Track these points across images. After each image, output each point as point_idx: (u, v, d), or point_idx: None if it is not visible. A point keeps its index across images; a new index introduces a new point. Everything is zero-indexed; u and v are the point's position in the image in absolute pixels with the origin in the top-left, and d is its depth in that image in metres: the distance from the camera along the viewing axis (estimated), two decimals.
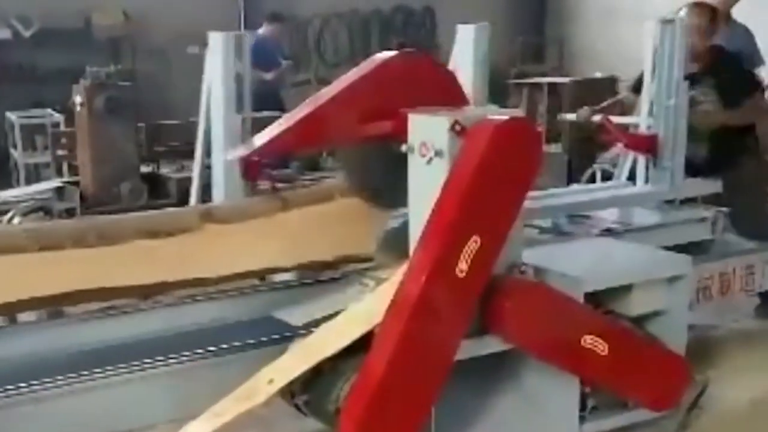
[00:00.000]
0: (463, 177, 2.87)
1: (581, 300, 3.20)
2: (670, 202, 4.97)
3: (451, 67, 4.16)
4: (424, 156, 2.99)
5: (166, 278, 3.31)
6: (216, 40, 4.21)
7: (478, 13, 14.18)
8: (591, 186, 5.75)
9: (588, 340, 3.09)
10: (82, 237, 3.25)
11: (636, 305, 3.38)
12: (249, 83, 4.24)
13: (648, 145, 4.90)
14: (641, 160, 5.01)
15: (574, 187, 5.84)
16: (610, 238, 4.11)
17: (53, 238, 3.24)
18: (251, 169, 4.07)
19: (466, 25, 4.49)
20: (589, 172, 6.53)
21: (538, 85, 10.24)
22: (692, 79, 4.98)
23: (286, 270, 3.57)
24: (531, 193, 4.93)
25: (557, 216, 4.75)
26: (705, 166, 5.15)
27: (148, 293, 3.43)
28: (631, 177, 5.17)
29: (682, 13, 5.07)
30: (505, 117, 2.97)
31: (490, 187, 2.88)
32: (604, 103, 5.75)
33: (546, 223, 4.72)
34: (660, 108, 4.87)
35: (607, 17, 13.91)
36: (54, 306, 3.39)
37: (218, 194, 4.20)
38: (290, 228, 3.46)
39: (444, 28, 14.28)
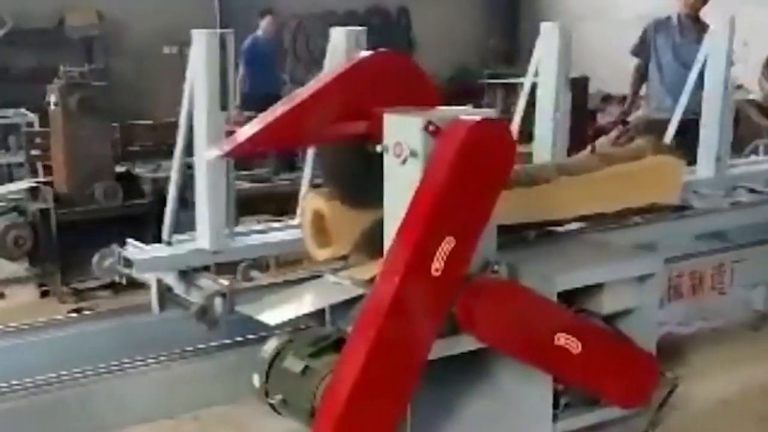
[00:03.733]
0: (437, 177, 2.89)
1: (554, 298, 3.23)
2: None
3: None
4: (398, 156, 3.02)
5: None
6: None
7: (453, 15, 14.31)
8: None
9: (561, 339, 3.12)
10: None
11: (607, 303, 3.41)
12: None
13: None
14: None
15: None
16: (583, 237, 4.14)
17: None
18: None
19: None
20: (751, 145, 7.00)
21: (512, 86, 10.32)
22: None
23: (606, 216, 4.00)
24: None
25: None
26: None
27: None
28: None
29: None
30: (479, 117, 3.00)
31: (464, 187, 2.91)
32: None
33: (760, 186, 5.37)
34: None
35: (578, 20, 14.01)
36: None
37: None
38: (613, 180, 3.87)
39: (419, 28, 14.34)
